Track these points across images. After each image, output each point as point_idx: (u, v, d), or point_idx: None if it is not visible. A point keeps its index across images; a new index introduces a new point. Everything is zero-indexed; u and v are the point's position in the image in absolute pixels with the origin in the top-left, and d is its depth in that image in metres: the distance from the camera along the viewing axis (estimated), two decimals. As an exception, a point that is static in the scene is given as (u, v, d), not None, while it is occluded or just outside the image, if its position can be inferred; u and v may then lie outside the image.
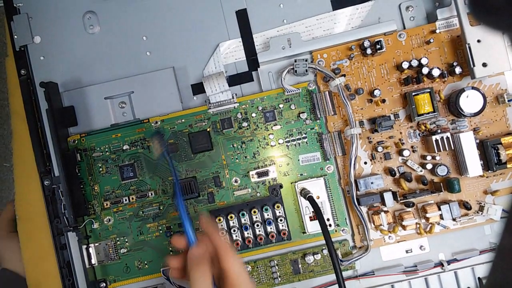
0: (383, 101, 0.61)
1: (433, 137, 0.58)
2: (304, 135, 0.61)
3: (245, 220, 0.60)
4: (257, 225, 0.60)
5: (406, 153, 0.59)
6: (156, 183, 0.61)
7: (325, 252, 0.60)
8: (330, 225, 0.59)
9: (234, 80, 0.63)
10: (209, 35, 0.63)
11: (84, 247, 0.60)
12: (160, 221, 0.61)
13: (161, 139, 0.58)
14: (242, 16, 0.63)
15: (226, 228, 0.60)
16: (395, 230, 0.59)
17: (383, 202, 0.58)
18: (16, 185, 0.64)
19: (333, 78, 0.59)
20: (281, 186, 0.61)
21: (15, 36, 0.64)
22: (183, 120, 0.61)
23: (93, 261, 0.60)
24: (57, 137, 0.58)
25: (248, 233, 0.60)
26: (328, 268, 0.60)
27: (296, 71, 0.60)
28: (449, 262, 0.60)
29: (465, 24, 0.57)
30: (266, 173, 0.60)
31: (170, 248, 0.61)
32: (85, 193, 0.62)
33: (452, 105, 0.59)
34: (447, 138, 0.57)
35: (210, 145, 0.61)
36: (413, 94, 0.58)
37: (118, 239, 0.61)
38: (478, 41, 0.57)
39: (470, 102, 0.57)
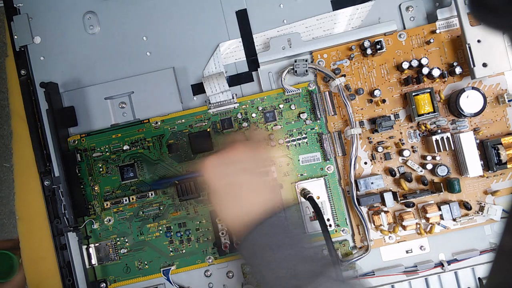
0: (383, 101, 0.61)
1: (433, 137, 0.58)
2: (304, 135, 0.61)
3: (245, 220, 0.60)
4: (257, 225, 0.59)
5: (406, 153, 0.59)
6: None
7: (325, 252, 0.60)
8: (330, 225, 0.59)
9: (234, 80, 0.63)
10: (209, 35, 0.63)
11: (84, 247, 0.60)
12: (160, 221, 0.61)
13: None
14: (242, 16, 0.63)
15: (226, 229, 0.60)
16: (395, 230, 0.59)
17: (383, 202, 0.58)
18: (16, 185, 0.64)
19: (333, 78, 0.59)
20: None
21: (15, 36, 0.64)
22: (183, 120, 0.61)
23: (93, 261, 0.60)
24: (57, 138, 0.58)
25: (248, 233, 0.60)
26: (328, 268, 0.60)
27: (296, 71, 0.60)
28: (449, 262, 0.60)
29: (465, 24, 0.57)
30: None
31: (170, 249, 0.61)
32: (85, 194, 0.61)
33: (452, 105, 0.59)
34: (447, 138, 0.57)
35: (210, 145, 0.61)
36: (413, 94, 0.58)
37: (118, 239, 0.61)
38: (478, 41, 0.57)
39: (470, 102, 0.57)
